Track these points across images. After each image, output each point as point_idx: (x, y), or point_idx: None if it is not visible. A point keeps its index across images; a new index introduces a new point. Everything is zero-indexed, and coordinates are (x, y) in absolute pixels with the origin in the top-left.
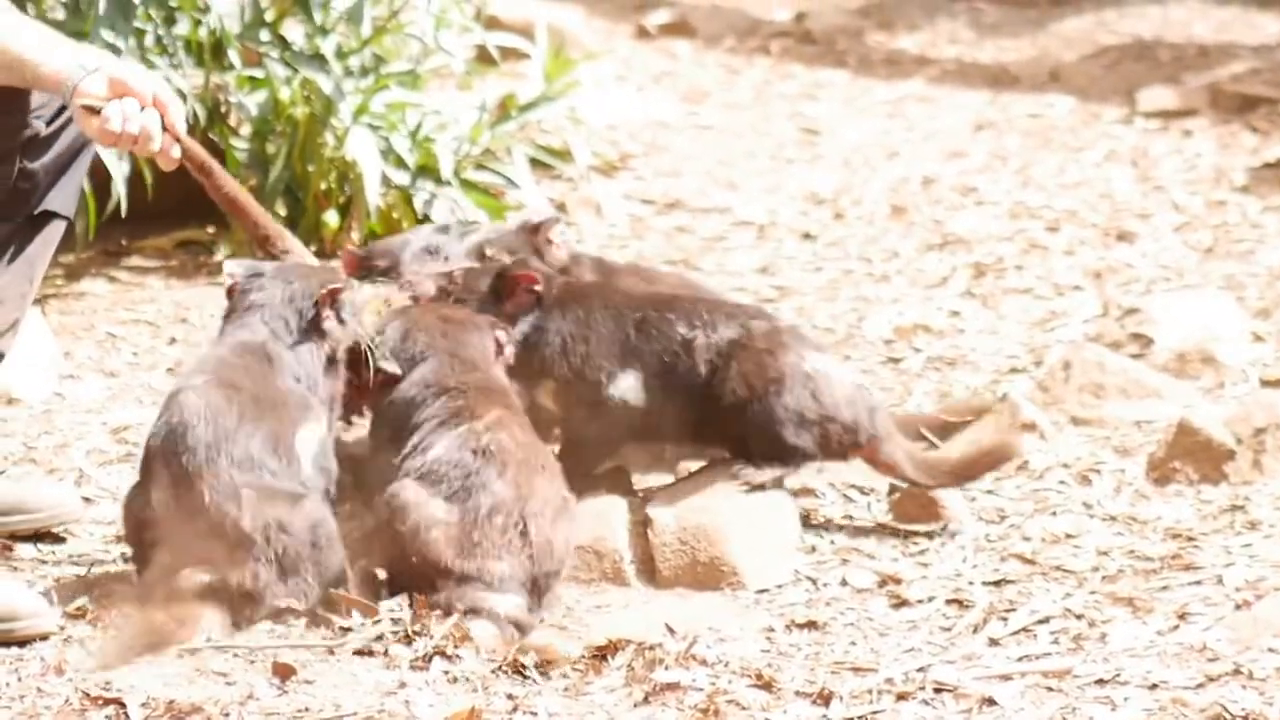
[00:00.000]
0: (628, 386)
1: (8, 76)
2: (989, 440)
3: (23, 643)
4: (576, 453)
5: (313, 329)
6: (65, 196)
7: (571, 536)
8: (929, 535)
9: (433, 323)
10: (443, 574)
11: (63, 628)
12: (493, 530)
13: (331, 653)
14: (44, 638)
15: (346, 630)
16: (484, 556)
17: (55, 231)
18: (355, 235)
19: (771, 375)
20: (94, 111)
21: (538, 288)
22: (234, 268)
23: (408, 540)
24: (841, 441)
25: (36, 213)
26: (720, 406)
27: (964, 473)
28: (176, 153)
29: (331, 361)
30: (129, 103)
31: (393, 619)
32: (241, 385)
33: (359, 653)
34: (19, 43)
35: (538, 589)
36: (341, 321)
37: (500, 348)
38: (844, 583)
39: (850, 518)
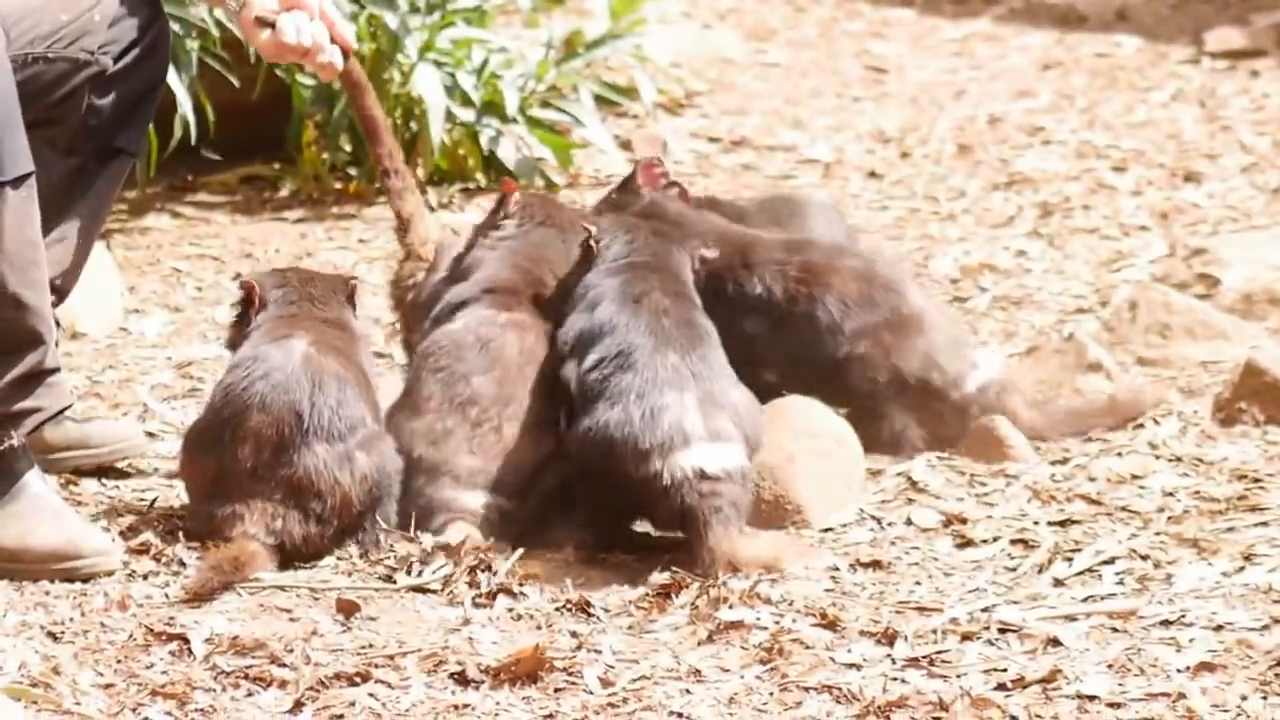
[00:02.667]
0: None
1: None
2: (1120, 394)
3: (86, 579)
4: None
5: None
6: (133, 134)
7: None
8: (995, 475)
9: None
10: (412, 463)
11: (126, 564)
12: (466, 423)
13: (396, 589)
14: (108, 574)
15: (410, 567)
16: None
17: (121, 169)
18: (420, 172)
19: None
20: (266, 24)
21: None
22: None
23: None
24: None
25: (104, 150)
26: None
27: (1086, 423)
28: (341, 64)
29: None
30: (299, 15)
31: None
32: (345, 352)
33: (422, 590)
34: None
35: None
36: None
37: None
38: (909, 522)
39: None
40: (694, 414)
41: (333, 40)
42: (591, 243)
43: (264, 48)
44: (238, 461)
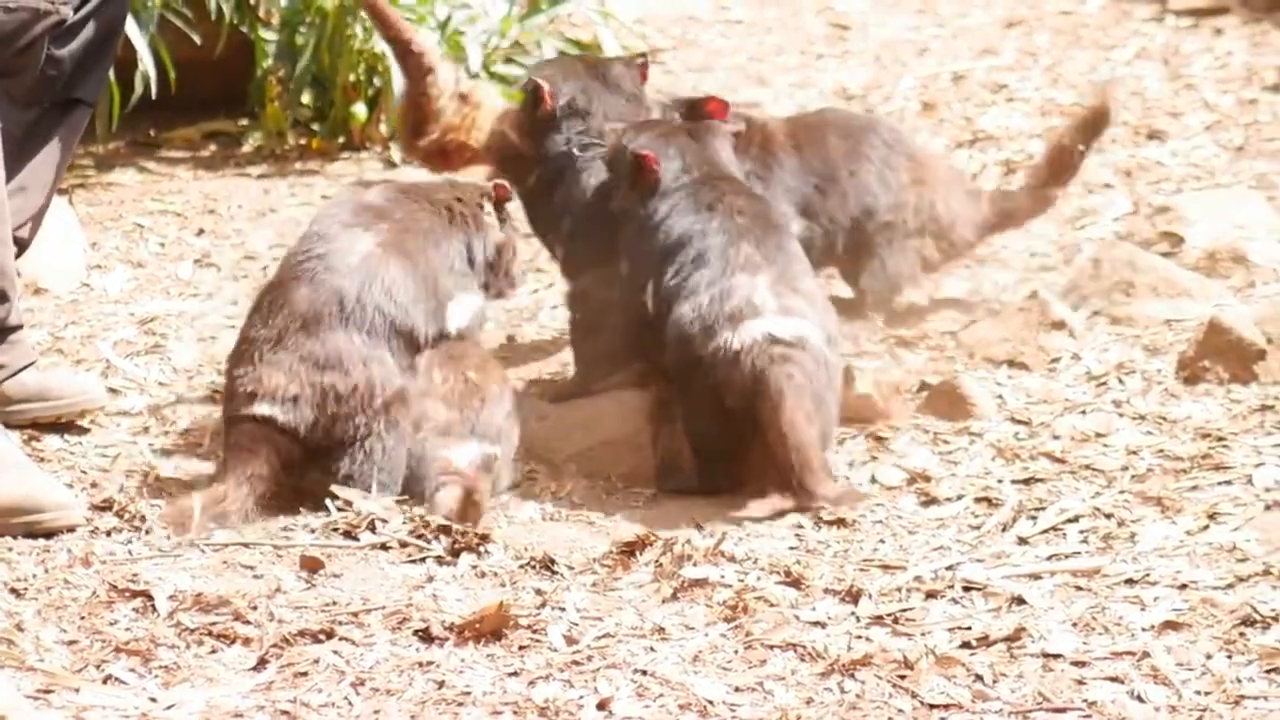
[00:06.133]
0: None
1: None
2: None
3: (49, 534)
4: None
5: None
6: (91, 84)
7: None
8: (958, 433)
9: None
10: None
11: (89, 520)
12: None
13: (360, 546)
14: (70, 529)
15: (373, 524)
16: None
17: (80, 119)
18: (383, 128)
19: None
20: None
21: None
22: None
23: None
24: None
25: (62, 100)
26: None
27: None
28: None
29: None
30: None
31: (420, 514)
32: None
33: (385, 547)
34: None
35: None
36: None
37: None
38: (873, 480)
39: None
40: (765, 291)
41: None
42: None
43: None
44: None
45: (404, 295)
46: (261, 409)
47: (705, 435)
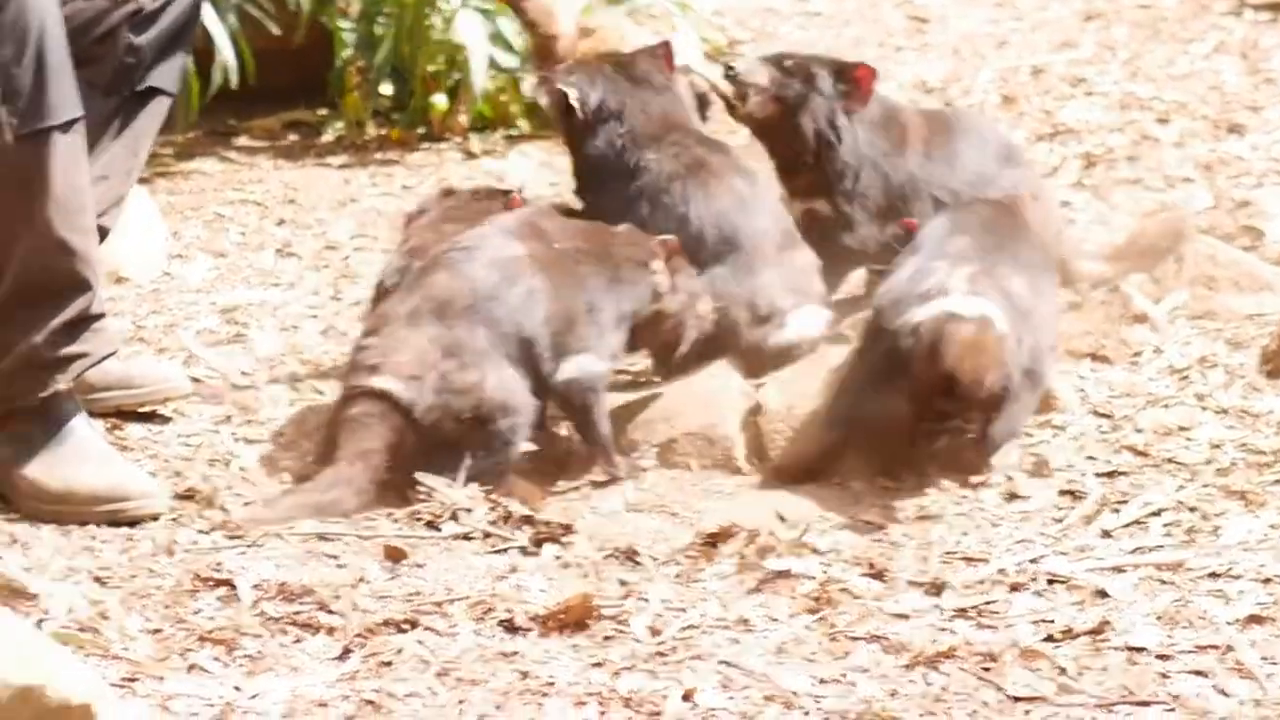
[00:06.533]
0: None
1: None
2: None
3: (133, 523)
4: None
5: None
6: (170, 73)
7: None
8: (1042, 426)
9: None
10: None
11: (172, 509)
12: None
13: (443, 537)
14: (154, 517)
15: (456, 514)
16: None
17: (160, 108)
18: (463, 118)
19: None
20: None
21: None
22: None
23: None
24: None
25: (141, 89)
26: None
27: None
28: None
29: None
30: None
31: (504, 504)
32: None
33: (468, 537)
34: None
35: None
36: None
37: None
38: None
39: None
40: (960, 279)
41: None
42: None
43: None
44: None
45: (538, 311)
46: (382, 383)
47: (874, 411)
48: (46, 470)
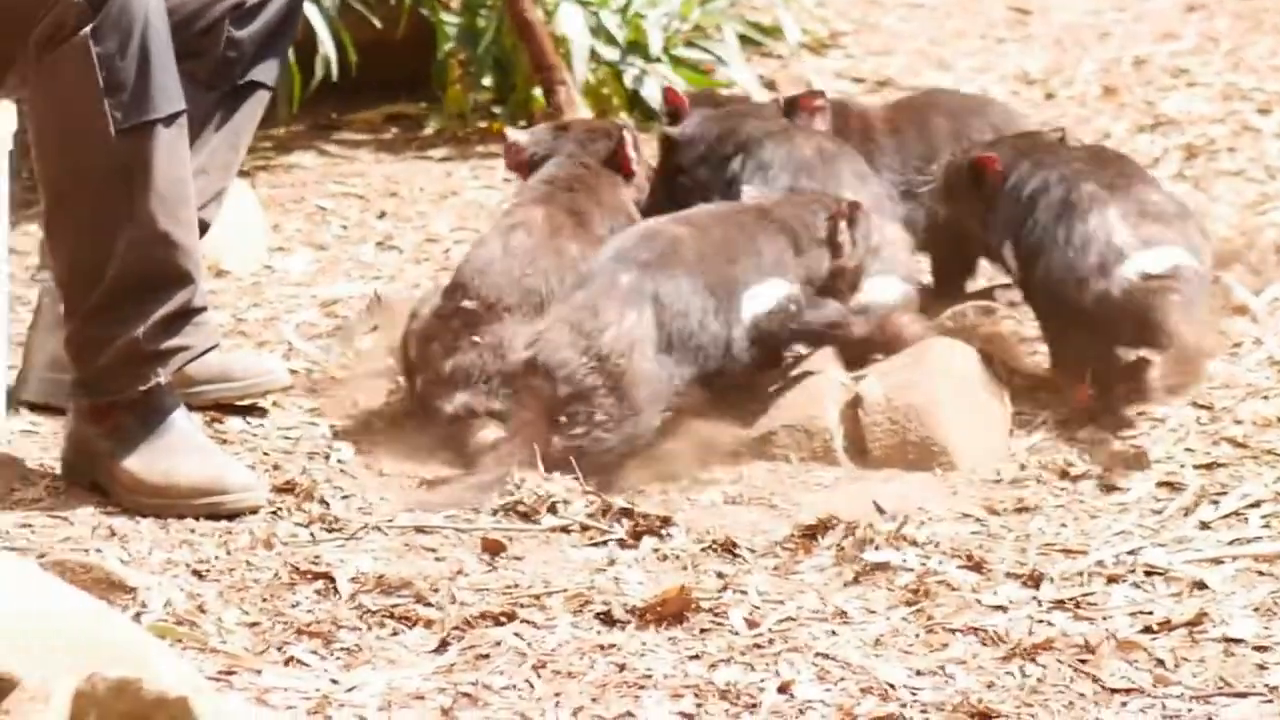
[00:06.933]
0: None
1: None
2: None
3: (231, 516)
4: None
5: None
6: (270, 67)
7: None
8: (1141, 418)
9: None
10: None
11: (271, 502)
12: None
13: (541, 529)
14: (253, 511)
15: (554, 506)
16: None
17: (260, 102)
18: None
19: None
20: None
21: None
22: None
23: None
24: None
25: (241, 83)
26: None
27: None
28: None
29: None
30: None
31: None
32: None
33: (566, 530)
34: None
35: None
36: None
37: None
38: (1054, 465)
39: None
40: (1121, 229)
41: None
42: None
43: None
44: None
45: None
46: (532, 353)
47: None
48: (147, 463)
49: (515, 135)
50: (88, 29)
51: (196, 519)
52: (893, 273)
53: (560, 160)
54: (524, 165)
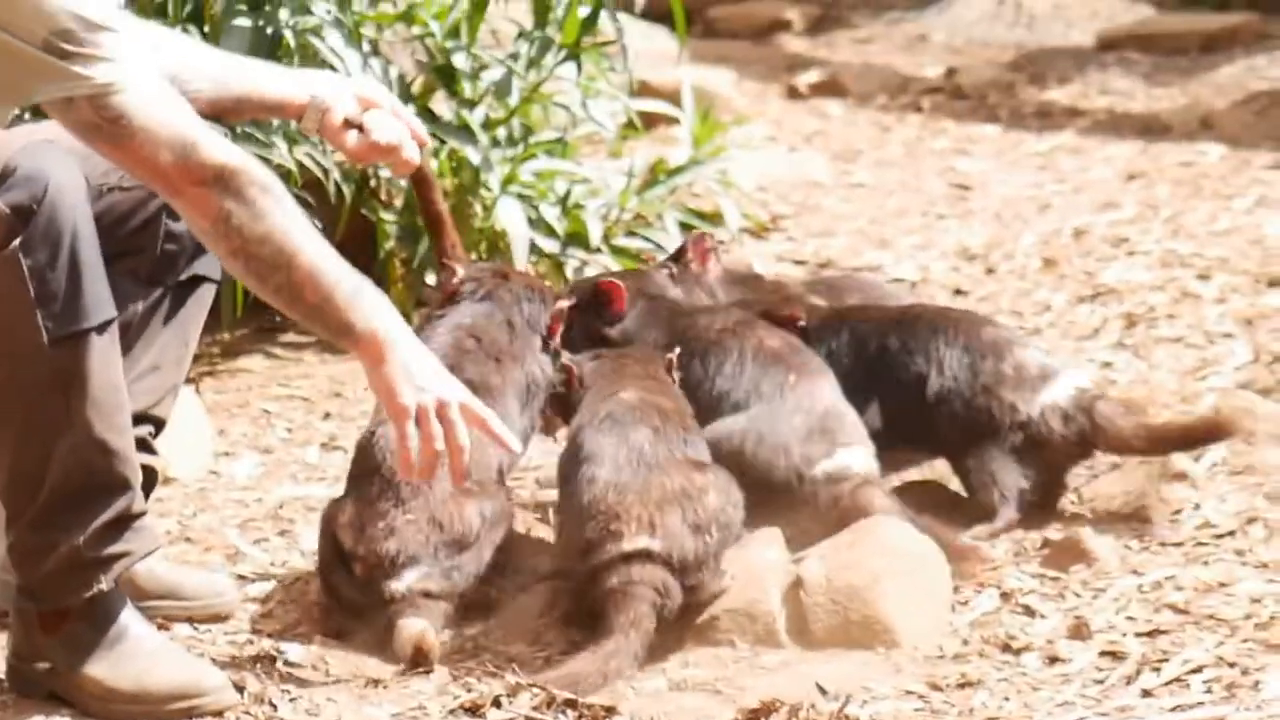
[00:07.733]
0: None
1: (241, 107)
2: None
3: (211, 716)
4: None
5: None
6: (213, 260)
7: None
8: (1085, 587)
9: None
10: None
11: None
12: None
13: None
14: (219, 713)
15: (500, 701)
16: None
17: (206, 295)
18: None
19: None
20: (352, 126)
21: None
22: None
23: None
24: None
25: (185, 277)
26: None
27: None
28: (418, 159)
29: None
30: (381, 113)
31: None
32: None
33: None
34: (249, 74)
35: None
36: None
37: None
38: (996, 639)
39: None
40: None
41: (411, 136)
42: None
43: (353, 151)
44: None
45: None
46: (633, 544)
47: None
48: (112, 670)
49: (456, 265)
50: (16, 242)
51: None
52: (861, 444)
53: (489, 308)
54: (450, 294)
